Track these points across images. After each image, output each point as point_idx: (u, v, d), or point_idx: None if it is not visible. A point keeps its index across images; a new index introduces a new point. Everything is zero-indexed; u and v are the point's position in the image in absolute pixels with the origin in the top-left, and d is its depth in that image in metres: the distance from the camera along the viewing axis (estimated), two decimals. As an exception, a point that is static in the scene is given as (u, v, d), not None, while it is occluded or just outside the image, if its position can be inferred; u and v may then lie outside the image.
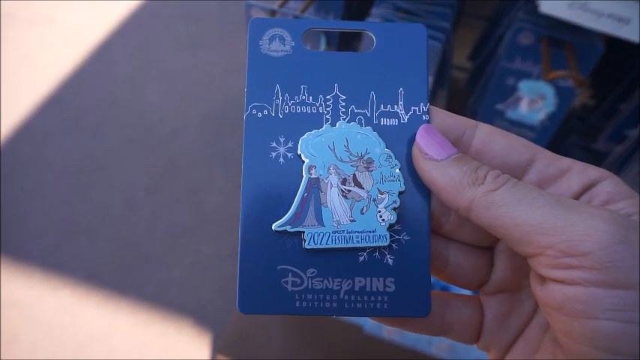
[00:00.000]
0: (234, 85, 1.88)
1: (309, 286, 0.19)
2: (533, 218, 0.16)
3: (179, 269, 1.43)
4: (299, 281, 0.19)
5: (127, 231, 1.49)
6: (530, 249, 0.17)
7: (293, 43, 0.20)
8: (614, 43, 0.39)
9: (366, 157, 0.19)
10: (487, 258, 0.21)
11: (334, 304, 0.19)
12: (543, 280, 0.17)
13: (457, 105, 0.63)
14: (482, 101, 0.45)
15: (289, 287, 0.19)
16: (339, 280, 0.19)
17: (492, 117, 0.43)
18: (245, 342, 0.83)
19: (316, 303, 0.19)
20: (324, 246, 0.19)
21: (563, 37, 0.37)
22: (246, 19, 0.44)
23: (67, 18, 1.96)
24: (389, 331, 0.80)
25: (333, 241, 0.19)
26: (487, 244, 0.21)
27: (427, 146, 0.18)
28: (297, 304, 0.19)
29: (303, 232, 0.19)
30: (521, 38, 0.38)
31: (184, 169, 1.65)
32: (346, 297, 0.19)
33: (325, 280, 0.19)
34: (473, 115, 0.56)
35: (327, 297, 0.19)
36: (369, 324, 0.81)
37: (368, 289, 0.19)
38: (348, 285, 0.19)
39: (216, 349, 0.81)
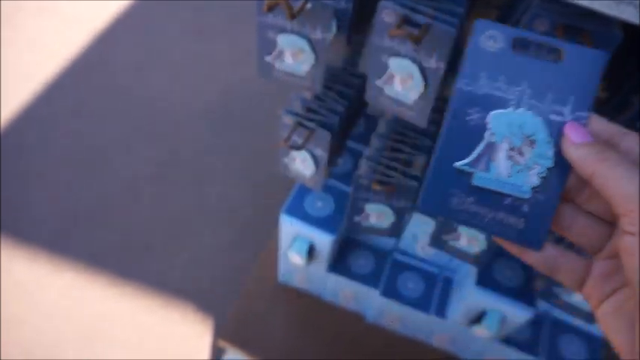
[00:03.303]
0: (240, 75, 1.87)
1: (466, 208, 0.27)
2: (627, 190, 0.23)
3: (180, 258, 1.44)
4: (461, 202, 0.27)
5: (130, 219, 1.49)
6: (619, 210, 0.24)
7: (502, 44, 0.26)
8: (630, 32, 0.39)
9: (531, 137, 0.26)
10: (607, 230, 0.27)
11: (478, 224, 0.27)
12: (623, 232, 0.24)
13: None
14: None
15: (454, 205, 0.27)
16: (487, 210, 0.27)
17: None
18: (246, 329, 0.83)
19: (467, 220, 0.27)
20: (485, 186, 0.27)
21: (579, 25, 0.37)
22: (257, 8, 0.44)
23: (72, 5, 1.95)
24: (390, 321, 0.80)
25: (492, 185, 0.26)
26: (610, 219, 0.26)
27: (571, 134, 0.26)
28: (455, 215, 0.27)
29: (474, 173, 0.27)
30: (537, 25, 0.38)
31: (187, 158, 1.65)
32: (489, 222, 0.27)
33: (478, 207, 0.27)
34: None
35: (476, 219, 0.27)
36: (370, 313, 0.81)
37: (505, 221, 0.27)
38: (492, 215, 0.27)
39: (218, 334, 0.81)
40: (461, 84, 0.26)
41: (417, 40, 0.35)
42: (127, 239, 1.45)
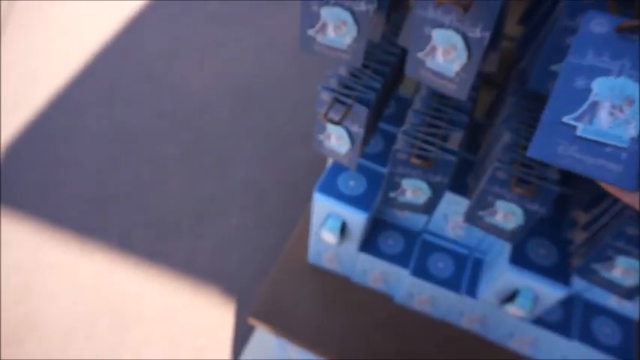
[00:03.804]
0: (264, 61, 1.89)
1: (570, 155, 0.32)
2: None
3: (207, 239, 1.46)
4: (566, 150, 0.32)
5: (158, 200, 1.53)
6: None
7: (608, 29, 0.31)
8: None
9: (630, 98, 0.31)
10: None
11: (580, 168, 0.32)
12: None
13: (506, 71, 0.62)
14: (535, 62, 0.45)
15: (559, 151, 0.32)
16: (589, 157, 0.32)
17: (546, 78, 0.43)
18: (275, 308, 0.85)
19: (571, 164, 0.32)
20: (588, 136, 0.32)
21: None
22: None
23: (101, -10, 1.98)
24: (420, 302, 0.81)
25: (595, 135, 0.32)
26: None
27: None
28: (560, 161, 0.32)
29: (578, 126, 0.32)
30: (585, -5, 0.38)
31: (214, 141, 1.67)
32: (589, 166, 0.32)
33: (581, 155, 0.32)
34: (523, 79, 0.55)
35: (578, 164, 0.32)
36: (399, 295, 0.82)
37: (605, 167, 0.31)
38: (593, 161, 0.32)
39: (248, 313, 0.83)
40: (571, 57, 0.33)
41: (465, 8, 0.35)
42: (155, 221, 1.48)
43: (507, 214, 0.52)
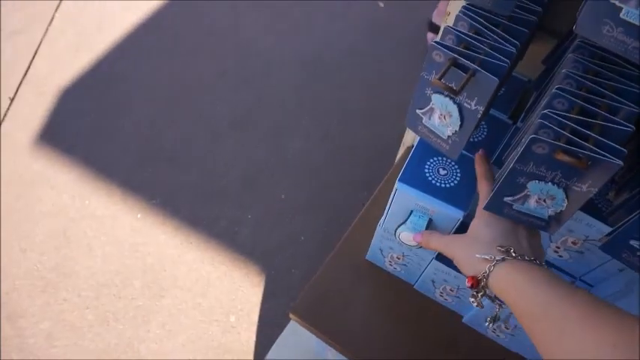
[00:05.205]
0: (336, 28, 1.74)
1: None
2: None
3: (253, 211, 1.37)
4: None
5: (207, 162, 1.44)
6: None
7: None
8: None
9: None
10: None
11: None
12: None
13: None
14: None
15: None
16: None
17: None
18: (321, 307, 0.73)
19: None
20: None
21: None
22: None
23: None
24: (494, 328, 0.67)
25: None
26: None
27: None
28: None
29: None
30: None
31: (273, 109, 1.56)
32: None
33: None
34: None
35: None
36: (471, 315, 0.68)
37: None
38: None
39: (290, 307, 0.72)
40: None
41: None
42: (202, 183, 1.40)
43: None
